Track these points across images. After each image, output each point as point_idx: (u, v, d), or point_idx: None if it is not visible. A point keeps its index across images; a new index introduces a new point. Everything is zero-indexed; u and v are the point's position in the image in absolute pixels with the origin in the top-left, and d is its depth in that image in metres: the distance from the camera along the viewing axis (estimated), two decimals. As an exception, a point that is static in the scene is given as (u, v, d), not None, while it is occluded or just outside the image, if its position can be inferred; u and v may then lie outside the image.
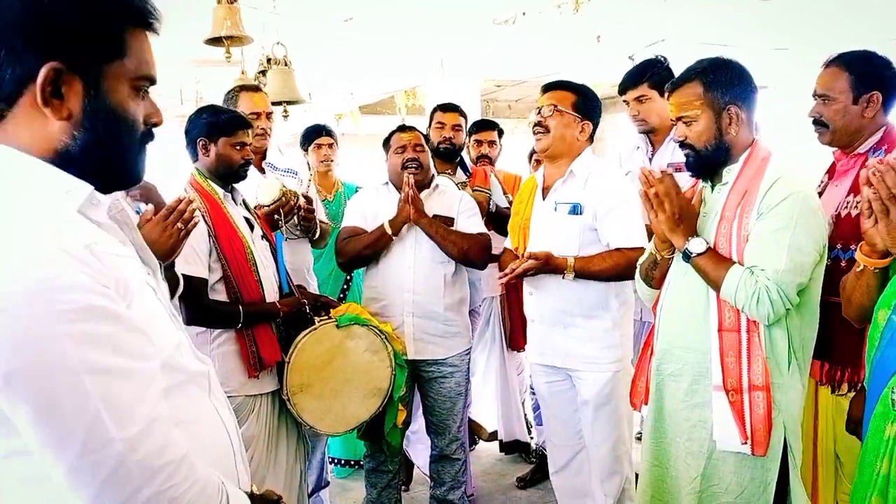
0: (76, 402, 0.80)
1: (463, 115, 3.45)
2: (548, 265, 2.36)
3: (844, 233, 1.99)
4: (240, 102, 2.85)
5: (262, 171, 2.94)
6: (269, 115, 2.91)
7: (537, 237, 2.52)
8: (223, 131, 2.29)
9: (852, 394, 1.95)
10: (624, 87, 2.92)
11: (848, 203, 2.01)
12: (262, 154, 2.97)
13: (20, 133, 0.91)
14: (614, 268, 2.33)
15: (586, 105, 2.48)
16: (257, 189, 2.67)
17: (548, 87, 2.51)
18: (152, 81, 1.02)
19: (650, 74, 2.81)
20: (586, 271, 2.36)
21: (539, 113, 2.46)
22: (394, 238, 2.66)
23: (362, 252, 2.70)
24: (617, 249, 2.36)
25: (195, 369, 1.06)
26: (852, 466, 1.98)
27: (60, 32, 0.90)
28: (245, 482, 1.13)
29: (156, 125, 1.04)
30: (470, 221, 2.76)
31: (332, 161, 3.65)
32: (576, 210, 2.42)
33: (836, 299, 1.96)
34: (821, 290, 2.01)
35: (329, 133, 3.71)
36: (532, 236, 2.55)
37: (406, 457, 3.55)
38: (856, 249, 1.90)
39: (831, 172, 2.20)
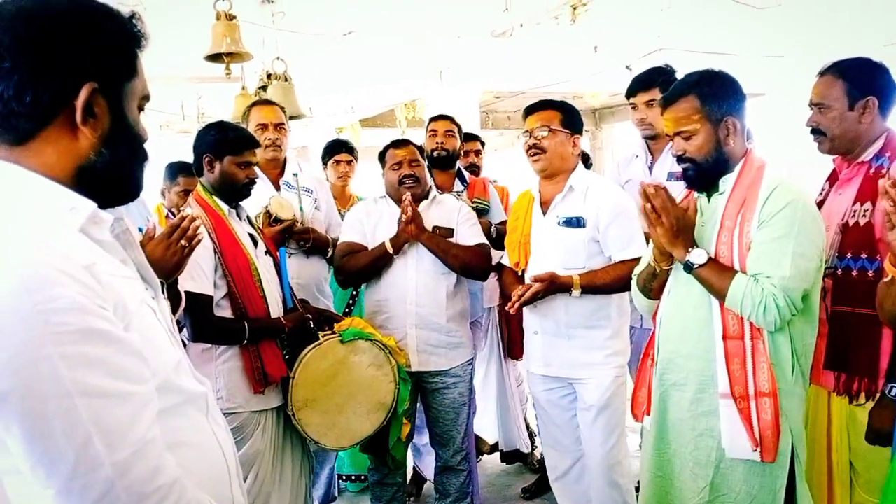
0: (67, 425, 0.80)
1: (455, 123, 3.48)
2: (553, 285, 2.38)
3: (854, 241, 1.98)
4: (251, 117, 2.89)
5: (278, 187, 2.94)
6: (277, 127, 2.90)
7: (540, 252, 2.54)
8: (230, 149, 2.29)
9: (870, 403, 1.93)
10: (634, 90, 2.91)
11: (855, 211, 2.00)
12: (281, 168, 2.97)
13: (47, 151, 0.93)
14: (618, 280, 2.37)
15: (573, 120, 2.54)
16: (270, 200, 2.68)
17: (532, 109, 2.54)
18: (148, 100, 1.06)
19: (661, 80, 2.80)
20: (592, 286, 2.40)
21: (532, 135, 2.49)
22: (395, 256, 2.67)
23: (363, 270, 2.71)
24: (620, 262, 2.39)
25: (194, 390, 1.05)
26: (867, 476, 1.97)
27: (94, 54, 0.93)
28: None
29: (144, 141, 1.07)
30: (470, 232, 2.77)
31: (349, 177, 3.79)
32: (579, 223, 2.44)
33: (851, 309, 1.95)
34: (831, 299, 2.02)
35: (350, 150, 3.82)
36: (534, 252, 2.56)
37: (416, 469, 3.54)
38: (866, 258, 1.90)
39: (832, 180, 2.19)
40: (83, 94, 0.91)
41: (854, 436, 1.99)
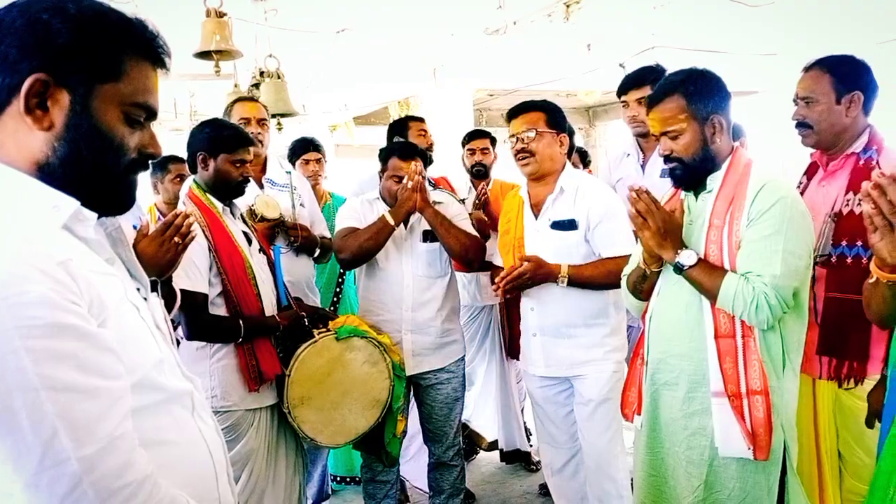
0: (33, 419, 0.80)
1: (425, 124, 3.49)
2: (540, 269, 2.38)
3: (848, 229, 2.02)
4: (233, 113, 2.86)
5: (261, 186, 2.90)
6: (259, 122, 2.85)
7: (535, 255, 2.53)
8: (224, 147, 2.28)
9: (857, 387, 1.97)
10: (626, 88, 2.92)
11: (849, 200, 2.04)
12: (262, 167, 2.93)
13: (5, 142, 0.93)
14: (606, 275, 2.37)
15: (557, 119, 2.53)
16: (255, 199, 2.68)
17: (516, 112, 2.53)
18: (150, 112, 1.01)
19: (653, 78, 2.80)
20: (579, 277, 2.40)
21: (519, 139, 2.48)
22: (396, 228, 2.61)
23: (364, 244, 2.63)
24: (609, 258, 2.40)
25: (177, 388, 1.04)
26: (854, 461, 2.00)
27: (53, 47, 0.91)
28: (229, 503, 1.12)
29: (152, 156, 1.03)
30: (462, 225, 2.76)
31: (319, 176, 3.63)
32: (572, 226, 2.45)
33: (844, 295, 1.99)
34: (825, 286, 2.05)
35: (317, 148, 3.67)
36: (528, 254, 2.55)
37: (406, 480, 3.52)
38: (861, 245, 1.93)
39: (810, 173, 2.23)
40: (27, 83, 0.90)
41: (841, 423, 2.02)
